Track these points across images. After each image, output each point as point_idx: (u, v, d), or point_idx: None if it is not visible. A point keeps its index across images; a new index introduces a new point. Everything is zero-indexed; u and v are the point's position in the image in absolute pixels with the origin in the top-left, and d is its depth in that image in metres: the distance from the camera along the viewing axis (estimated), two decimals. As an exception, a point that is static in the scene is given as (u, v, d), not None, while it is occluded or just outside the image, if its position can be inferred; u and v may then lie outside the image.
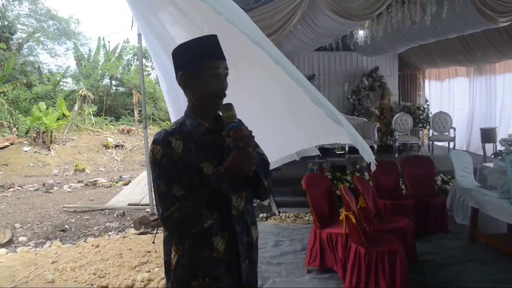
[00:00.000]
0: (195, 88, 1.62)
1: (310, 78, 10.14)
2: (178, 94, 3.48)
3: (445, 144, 9.92)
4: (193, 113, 1.65)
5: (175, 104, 3.60)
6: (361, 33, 8.03)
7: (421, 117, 10.37)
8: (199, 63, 1.58)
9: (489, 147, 8.50)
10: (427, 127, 10.29)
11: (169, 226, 1.58)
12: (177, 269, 1.63)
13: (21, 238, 5.87)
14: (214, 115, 1.65)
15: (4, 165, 12.20)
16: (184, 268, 1.62)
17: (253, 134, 1.55)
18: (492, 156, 8.07)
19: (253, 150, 1.54)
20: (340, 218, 3.83)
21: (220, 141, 1.56)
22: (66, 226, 6.48)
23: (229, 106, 1.55)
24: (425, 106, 10.70)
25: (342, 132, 2.85)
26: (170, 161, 1.56)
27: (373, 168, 3.08)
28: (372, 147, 9.31)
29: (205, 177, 1.59)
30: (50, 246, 5.39)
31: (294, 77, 2.09)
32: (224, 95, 1.62)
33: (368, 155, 2.59)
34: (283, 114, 3.26)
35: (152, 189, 1.65)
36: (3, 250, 5.23)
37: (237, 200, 1.66)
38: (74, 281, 4.20)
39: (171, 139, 1.58)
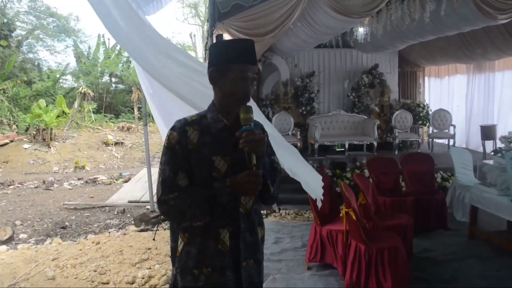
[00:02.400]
0: (221, 87, 1.67)
1: (310, 75, 10.15)
2: (163, 98, 3.53)
3: (445, 141, 9.92)
4: (215, 108, 1.71)
5: (161, 108, 3.67)
6: (361, 30, 8.02)
7: (421, 115, 10.36)
8: (229, 63, 1.63)
9: (489, 144, 8.50)
10: (427, 124, 10.28)
11: (162, 210, 1.64)
12: (182, 256, 1.67)
13: (22, 235, 5.89)
14: (236, 115, 1.67)
15: (4, 162, 12.21)
16: (188, 255, 1.65)
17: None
18: (492, 153, 8.08)
19: (261, 155, 1.58)
20: (340, 215, 3.85)
21: (235, 140, 1.58)
22: (67, 223, 6.50)
23: (248, 109, 1.60)
24: (425, 104, 10.69)
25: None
26: (183, 149, 1.62)
27: (319, 204, 3.15)
28: (372, 144, 9.34)
29: (215, 170, 1.62)
30: (50, 243, 5.41)
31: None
32: (248, 99, 1.66)
33: (314, 192, 2.68)
34: None
35: (154, 183, 1.67)
36: (4, 247, 5.25)
37: (246, 199, 1.69)
38: (75, 278, 4.21)
39: (188, 129, 1.64)
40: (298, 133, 9.65)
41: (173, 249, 1.73)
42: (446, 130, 9.76)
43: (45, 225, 6.43)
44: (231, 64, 1.63)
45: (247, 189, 1.56)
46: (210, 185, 1.59)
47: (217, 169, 1.62)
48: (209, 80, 1.71)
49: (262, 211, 6.38)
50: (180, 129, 1.64)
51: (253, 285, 1.71)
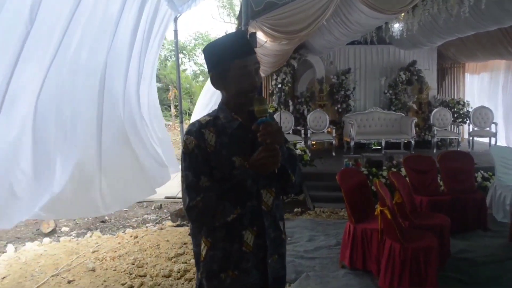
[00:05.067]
0: (226, 88, 1.63)
1: (346, 72, 10.05)
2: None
3: (486, 140, 9.61)
4: (226, 107, 1.66)
5: None
6: (396, 26, 7.88)
7: (460, 112, 10.08)
8: (226, 63, 1.58)
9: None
10: (467, 122, 9.99)
11: (194, 216, 1.57)
12: (207, 260, 1.64)
13: (64, 228, 6.10)
14: (248, 111, 1.63)
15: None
16: (213, 260, 1.63)
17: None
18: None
19: (281, 146, 1.54)
20: (375, 213, 3.81)
21: (253, 136, 1.55)
22: (106, 217, 6.68)
23: (261, 100, 1.55)
24: (465, 101, 10.38)
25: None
26: (202, 152, 1.57)
27: None
28: (409, 142, 9.17)
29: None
30: (91, 236, 5.58)
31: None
32: (257, 90, 1.61)
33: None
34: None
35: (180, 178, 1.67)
36: (47, 239, 5.47)
37: (267, 195, 1.66)
38: (114, 270, 4.35)
39: (205, 131, 1.59)
40: (334, 130, 9.59)
41: (197, 253, 1.70)
42: (488, 128, 9.45)
43: (86, 219, 6.64)
44: (230, 63, 1.57)
45: (267, 162, 1.51)
46: (231, 177, 1.57)
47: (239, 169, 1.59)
48: (212, 85, 1.67)
49: (296, 209, 6.37)
50: (197, 133, 1.59)
51: (277, 280, 1.70)
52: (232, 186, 1.56)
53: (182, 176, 1.60)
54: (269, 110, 1.59)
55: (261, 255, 1.64)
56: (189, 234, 5.32)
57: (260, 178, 1.60)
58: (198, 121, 1.64)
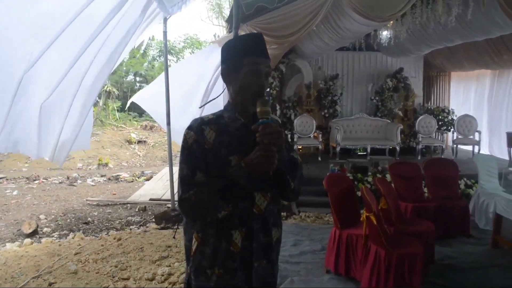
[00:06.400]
0: (235, 82, 1.66)
1: (334, 78, 10.10)
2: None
3: (470, 147, 9.73)
4: (232, 107, 1.69)
5: None
6: (385, 33, 7.96)
7: (445, 120, 10.20)
8: (240, 58, 1.63)
9: None
10: (451, 130, 10.12)
11: (185, 209, 1.61)
12: (196, 255, 1.66)
13: (46, 229, 6.01)
14: (253, 113, 1.65)
15: (29, 158, 12.48)
16: (202, 255, 1.65)
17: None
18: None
19: (279, 150, 1.54)
20: (361, 219, 3.82)
21: (254, 138, 1.56)
22: (89, 218, 6.61)
23: (265, 102, 1.57)
24: (450, 109, 10.52)
25: None
26: (200, 148, 1.60)
27: None
28: (394, 149, 9.24)
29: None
30: (73, 238, 5.51)
31: None
32: (263, 92, 1.64)
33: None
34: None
35: (176, 182, 1.66)
36: (28, 240, 5.37)
37: (260, 199, 1.66)
38: (96, 273, 4.28)
39: (205, 128, 1.63)
40: (320, 135, 9.62)
41: (188, 248, 1.73)
42: (471, 137, 9.58)
43: (68, 220, 6.56)
44: (243, 58, 1.62)
45: (262, 162, 1.51)
46: (226, 174, 1.58)
47: None
48: (222, 78, 1.71)
49: (282, 213, 6.37)
50: (197, 128, 1.63)
51: (265, 286, 1.69)
52: (226, 184, 1.56)
53: (179, 170, 1.64)
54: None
55: (248, 258, 1.64)
56: (173, 237, 5.29)
57: (255, 178, 1.59)
58: (201, 117, 1.68)
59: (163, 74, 6.70)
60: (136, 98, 8.11)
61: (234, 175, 1.56)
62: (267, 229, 1.69)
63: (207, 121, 1.66)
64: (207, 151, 1.61)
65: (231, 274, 1.63)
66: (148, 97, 8.03)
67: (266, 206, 1.68)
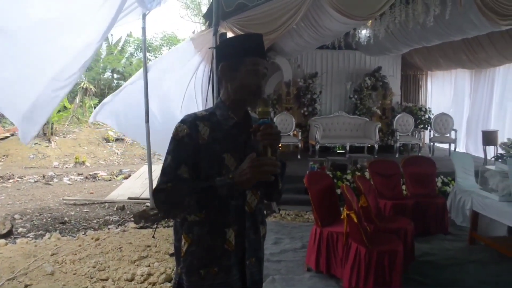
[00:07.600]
0: (233, 80, 1.65)
1: (313, 76, 10.14)
2: None
3: (446, 145, 9.90)
4: (224, 105, 1.69)
5: None
6: (363, 32, 8.01)
7: (422, 118, 10.36)
8: (240, 56, 1.63)
9: (489, 150, 8.48)
10: (428, 128, 10.28)
11: (159, 200, 1.55)
12: (187, 256, 1.65)
13: (21, 229, 5.88)
14: (244, 112, 1.68)
15: (4, 156, 12.21)
16: (193, 255, 1.64)
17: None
18: (493, 159, 8.06)
19: (274, 151, 1.53)
20: (342, 217, 3.83)
21: (246, 137, 1.59)
22: (66, 218, 6.49)
23: (267, 102, 1.59)
24: (427, 107, 10.69)
25: None
26: (192, 142, 1.58)
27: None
28: (373, 147, 9.33)
29: (225, 167, 1.60)
30: (49, 238, 5.39)
31: None
32: (261, 92, 1.65)
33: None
34: None
35: (154, 180, 1.63)
36: (3, 241, 5.23)
37: (251, 197, 1.69)
38: (74, 274, 4.20)
39: (199, 123, 1.62)
40: (299, 133, 9.65)
41: (177, 248, 1.71)
42: (448, 135, 9.74)
43: (44, 220, 6.42)
44: (245, 57, 1.63)
45: (253, 178, 1.45)
46: (212, 180, 1.53)
47: (227, 166, 1.60)
48: (220, 75, 1.70)
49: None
50: (191, 123, 1.61)
51: (254, 283, 1.72)
52: (207, 188, 1.51)
53: (164, 159, 1.63)
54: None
55: (240, 255, 1.67)
56: (153, 237, 5.23)
57: (237, 194, 1.59)
58: (194, 113, 1.68)
59: (130, 87, 6.64)
60: (99, 116, 6.90)
61: (218, 183, 1.51)
62: (256, 227, 1.73)
63: (201, 117, 1.65)
64: (201, 147, 1.59)
65: (226, 272, 1.64)
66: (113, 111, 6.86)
67: (256, 204, 1.71)
